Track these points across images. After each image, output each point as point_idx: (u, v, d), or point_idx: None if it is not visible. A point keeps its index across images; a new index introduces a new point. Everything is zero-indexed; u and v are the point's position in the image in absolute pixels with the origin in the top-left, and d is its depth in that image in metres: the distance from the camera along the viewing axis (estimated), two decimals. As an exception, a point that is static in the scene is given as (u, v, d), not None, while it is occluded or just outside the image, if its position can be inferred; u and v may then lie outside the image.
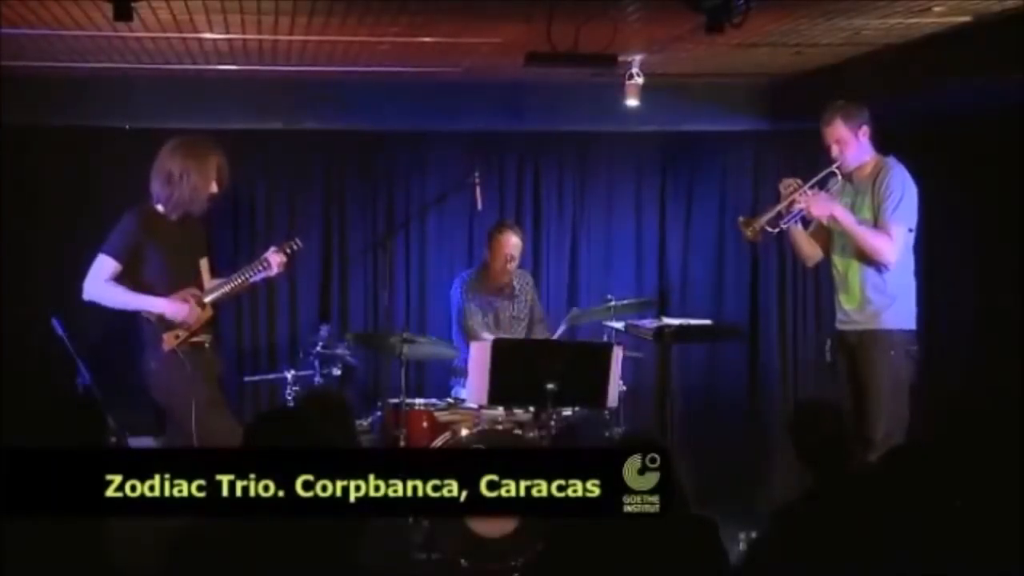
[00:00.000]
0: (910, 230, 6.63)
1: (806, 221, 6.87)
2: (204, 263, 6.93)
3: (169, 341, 6.59)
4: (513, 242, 8.04)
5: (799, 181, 6.79)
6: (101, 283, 6.59)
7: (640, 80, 7.54)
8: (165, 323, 6.62)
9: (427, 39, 6.96)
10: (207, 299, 6.75)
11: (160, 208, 6.68)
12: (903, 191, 6.60)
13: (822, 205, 6.69)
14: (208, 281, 6.88)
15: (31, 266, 8.27)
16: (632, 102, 7.64)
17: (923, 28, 6.76)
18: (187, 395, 6.49)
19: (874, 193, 6.63)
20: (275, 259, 6.85)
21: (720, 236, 9.09)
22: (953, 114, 8.04)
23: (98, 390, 6.84)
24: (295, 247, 6.99)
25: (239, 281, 6.86)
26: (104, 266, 6.61)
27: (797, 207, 6.74)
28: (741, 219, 7.00)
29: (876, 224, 6.61)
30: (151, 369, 6.66)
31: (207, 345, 6.78)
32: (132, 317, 6.72)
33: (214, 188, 6.69)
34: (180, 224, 6.72)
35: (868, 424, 6.49)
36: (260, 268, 6.85)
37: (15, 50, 7.06)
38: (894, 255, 6.57)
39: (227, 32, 6.85)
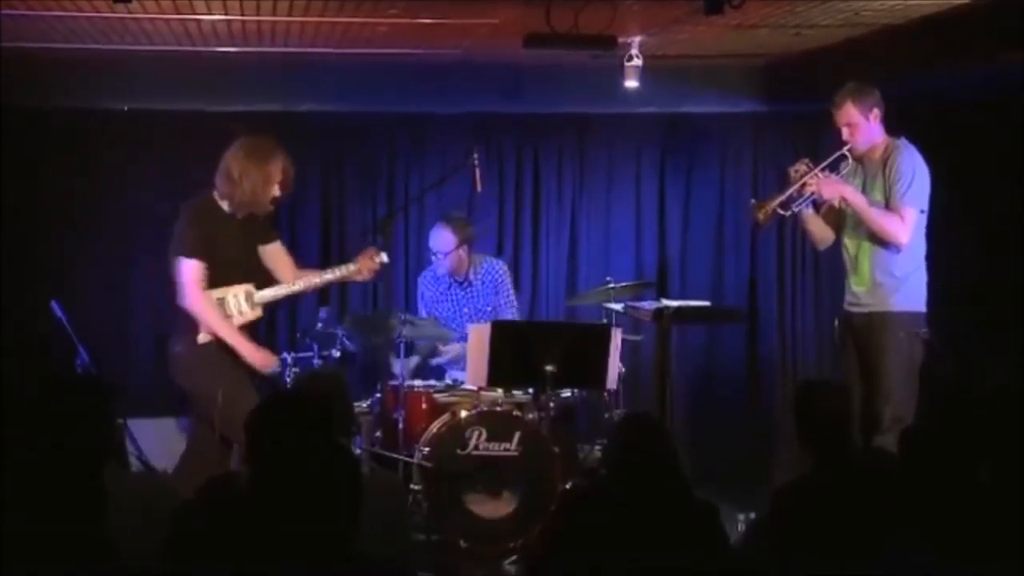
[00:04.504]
0: (922, 211, 6.64)
1: (816, 204, 6.87)
2: (276, 247, 6.93)
3: (203, 336, 6.57)
4: (436, 235, 7.96)
5: (809, 163, 6.78)
6: (201, 295, 6.54)
7: (639, 62, 7.52)
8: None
9: (425, 20, 6.95)
10: (256, 299, 6.74)
11: (224, 204, 6.65)
12: (914, 172, 6.62)
13: (832, 187, 6.69)
14: (293, 270, 6.92)
15: (30, 248, 8.25)
16: (631, 84, 7.62)
17: (922, 9, 6.75)
18: (210, 383, 6.46)
19: (885, 175, 6.65)
20: (366, 265, 6.98)
21: (719, 217, 9.09)
22: (951, 96, 8.04)
23: (97, 372, 6.84)
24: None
25: (312, 285, 7.00)
26: (194, 271, 6.54)
27: (808, 190, 6.73)
28: (753, 202, 6.99)
29: (888, 206, 6.63)
30: (175, 352, 6.65)
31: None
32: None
33: (276, 192, 6.67)
34: (239, 219, 6.70)
35: (877, 406, 6.53)
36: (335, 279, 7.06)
37: (15, 31, 7.05)
38: (906, 236, 6.60)
39: (226, 14, 6.84)
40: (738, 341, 9.06)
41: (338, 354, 7.55)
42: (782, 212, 6.85)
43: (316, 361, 7.37)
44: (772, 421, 8.71)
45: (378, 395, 7.47)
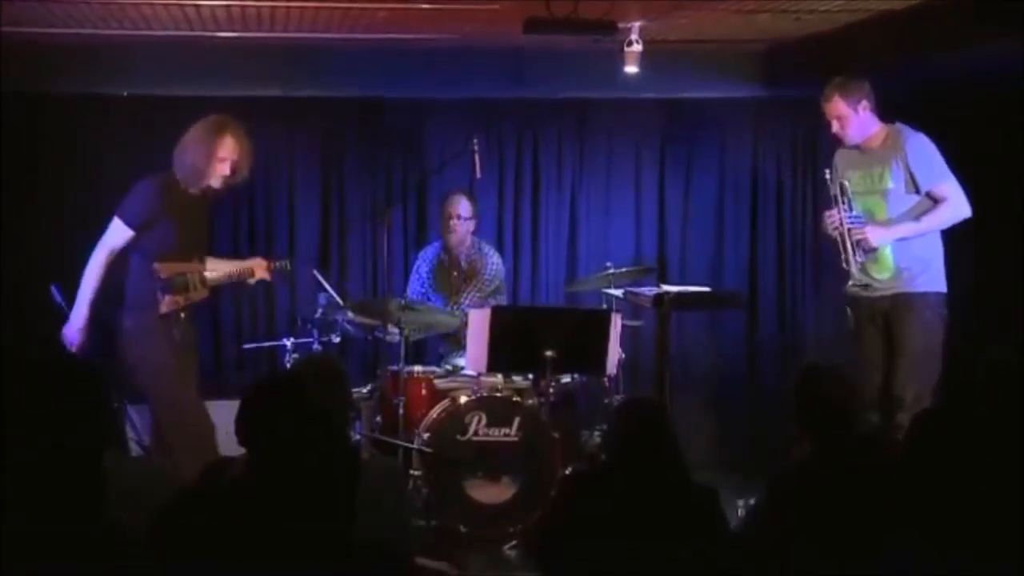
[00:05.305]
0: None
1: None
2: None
3: (167, 304, 6.62)
4: (458, 200, 8.06)
5: (833, 212, 6.84)
6: (104, 255, 6.68)
7: (639, 47, 7.51)
8: (170, 285, 6.64)
9: (425, 5, 6.93)
10: (208, 276, 6.84)
11: (179, 178, 6.73)
12: (929, 153, 6.75)
13: (879, 236, 6.76)
14: (211, 260, 6.92)
15: (30, 233, 8.25)
16: (631, 69, 7.60)
17: (924, -7, 6.75)
18: (156, 362, 6.60)
19: (902, 165, 6.72)
20: (259, 274, 7.11)
21: (719, 202, 9.08)
22: (955, 81, 8.01)
23: (96, 358, 6.84)
24: (281, 267, 7.22)
25: (229, 279, 7.09)
26: (120, 234, 6.69)
27: (861, 247, 6.76)
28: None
29: (918, 192, 6.72)
30: (125, 327, 6.69)
31: (182, 315, 6.78)
32: (129, 272, 6.74)
33: (224, 169, 6.71)
34: (197, 198, 6.78)
35: (899, 386, 6.62)
36: (243, 275, 7.10)
37: (14, 16, 7.04)
38: (964, 206, 6.74)
39: (225, -1, 6.84)
40: (738, 326, 9.05)
41: (338, 340, 7.57)
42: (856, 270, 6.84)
43: (316, 346, 7.39)
44: (772, 406, 8.70)
45: (378, 381, 7.48)
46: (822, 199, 8.26)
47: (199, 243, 6.90)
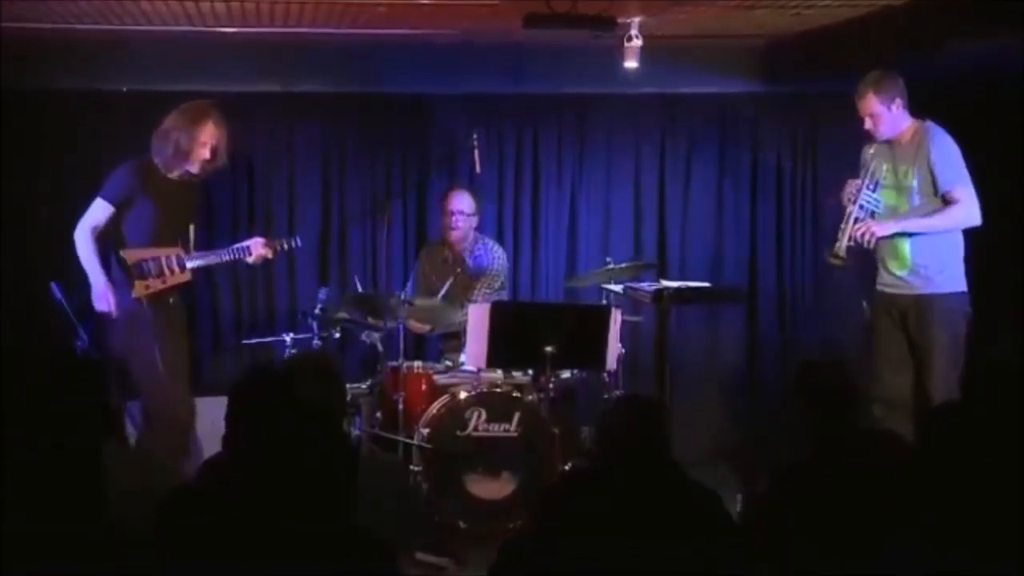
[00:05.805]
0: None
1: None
2: (191, 228, 7.05)
3: (139, 289, 6.70)
4: (460, 196, 8.06)
5: (852, 181, 6.87)
6: (87, 230, 6.83)
7: (639, 42, 7.50)
8: (138, 270, 6.70)
9: (425, 1, 6.93)
10: (189, 264, 6.87)
11: (158, 163, 6.85)
12: (952, 155, 6.72)
13: (884, 228, 6.75)
14: (192, 249, 6.98)
15: (30, 230, 8.25)
16: (631, 64, 7.60)
17: (924, -12, 6.74)
18: (142, 350, 6.67)
19: (920, 163, 6.72)
20: (257, 251, 7.11)
21: (719, 198, 9.07)
22: (954, 79, 8.01)
23: (97, 354, 6.86)
24: (287, 246, 7.32)
25: (220, 259, 7.13)
26: (100, 211, 6.84)
27: (866, 239, 6.72)
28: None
29: (935, 193, 6.71)
30: (109, 317, 6.79)
31: (171, 300, 6.85)
32: (104, 260, 6.85)
33: (205, 154, 6.79)
34: (177, 184, 6.85)
35: (929, 385, 6.63)
36: (240, 253, 7.10)
37: (14, 12, 7.03)
38: (974, 213, 6.72)
39: (225, -6, 6.84)
40: (738, 322, 9.05)
41: (338, 335, 7.56)
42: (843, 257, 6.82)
43: (316, 342, 7.38)
44: (772, 401, 8.71)
45: (378, 376, 7.48)
46: (822, 192, 8.30)
47: (181, 229, 7.00)
